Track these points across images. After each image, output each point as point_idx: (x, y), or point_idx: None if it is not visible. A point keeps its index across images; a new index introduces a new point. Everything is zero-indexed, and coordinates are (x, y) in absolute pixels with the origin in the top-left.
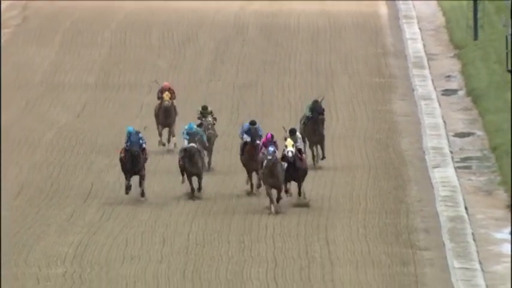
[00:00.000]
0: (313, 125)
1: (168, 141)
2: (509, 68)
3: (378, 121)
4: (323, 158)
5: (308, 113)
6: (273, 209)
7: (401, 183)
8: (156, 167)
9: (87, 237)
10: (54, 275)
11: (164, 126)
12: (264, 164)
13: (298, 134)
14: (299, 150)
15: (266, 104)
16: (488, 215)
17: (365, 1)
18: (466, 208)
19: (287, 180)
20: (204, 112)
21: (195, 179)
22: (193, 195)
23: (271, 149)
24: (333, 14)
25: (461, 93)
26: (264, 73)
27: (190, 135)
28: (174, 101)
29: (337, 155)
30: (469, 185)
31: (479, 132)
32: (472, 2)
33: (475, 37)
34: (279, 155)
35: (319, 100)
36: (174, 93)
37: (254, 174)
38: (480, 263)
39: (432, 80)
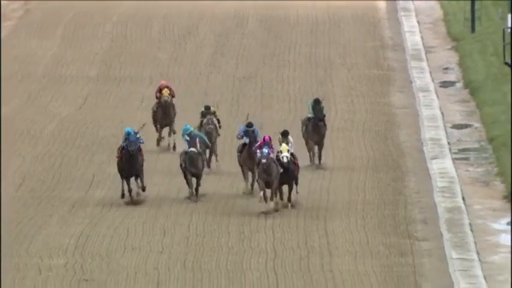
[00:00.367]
0: (314, 125)
1: (169, 136)
2: (506, 60)
3: (376, 113)
4: (320, 158)
5: (310, 113)
6: (265, 203)
7: (399, 175)
8: (156, 165)
9: (88, 228)
10: (56, 266)
11: (163, 125)
12: (259, 163)
13: (290, 137)
14: (292, 154)
15: (266, 96)
16: (486, 205)
17: None
18: (463, 199)
19: (280, 183)
20: (207, 112)
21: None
22: (191, 197)
23: (265, 150)
24: (331, 6)
25: (458, 85)
26: (263, 65)
27: (191, 138)
28: (173, 100)
29: (336, 147)
30: (466, 176)
31: (477, 124)
32: None
33: (473, 30)
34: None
35: (321, 100)
36: (172, 91)
37: (250, 174)
38: (478, 253)
39: (430, 72)
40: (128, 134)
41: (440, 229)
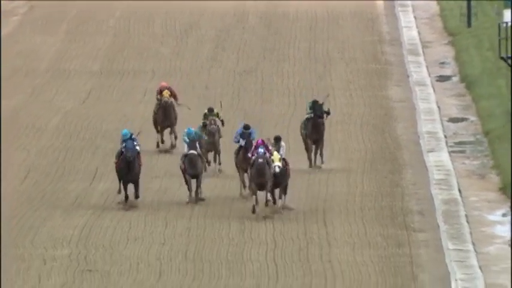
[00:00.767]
0: (313, 125)
1: (170, 134)
2: (502, 55)
3: (374, 107)
4: (321, 156)
5: (309, 113)
6: (256, 209)
7: (396, 167)
8: (157, 162)
9: (92, 220)
10: (60, 256)
11: (164, 127)
12: (254, 162)
13: (282, 142)
14: (284, 160)
15: (266, 90)
16: (481, 197)
17: None
18: (459, 191)
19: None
20: (210, 114)
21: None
22: (190, 199)
23: (261, 150)
24: (330, 3)
25: (455, 79)
26: (263, 60)
27: (191, 140)
28: (176, 104)
29: (334, 140)
30: (462, 168)
31: (473, 118)
32: None
33: (469, 25)
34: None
35: (322, 102)
36: (173, 93)
37: (246, 176)
38: (473, 244)
39: (427, 67)
40: (125, 136)
41: (437, 220)
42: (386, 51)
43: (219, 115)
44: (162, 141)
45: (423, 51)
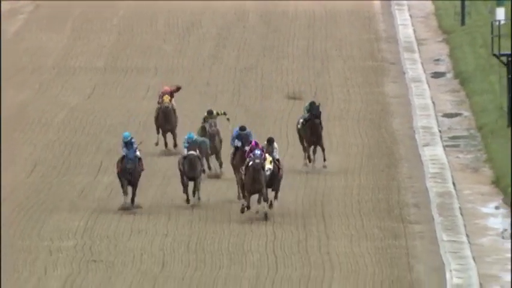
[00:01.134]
0: (311, 126)
1: (174, 146)
2: (494, 52)
3: (371, 102)
4: (324, 159)
5: (305, 115)
6: (243, 207)
7: (393, 161)
8: (158, 163)
9: (97, 212)
10: (66, 247)
11: (165, 131)
12: (249, 164)
13: (275, 143)
14: (277, 160)
15: (265, 86)
16: (475, 190)
17: None
18: (454, 184)
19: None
20: (210, 117)
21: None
22: (189, 201)
23: (257, 152)
24: (328, 2)
25: (449, 75)
26: (263, 57)
27: (191, 144)
28: (175, 104)
29: (332, 135)
30: (456, 162)
31: (466, 113)
32: None
33: (462, 23)
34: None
35: (317, 103)
36: (173, 94)
37: None
38: (467, 235)
39: (422, 64)
40: (125, 138)
41: (432, 213)
42: (382, 49)
43: (220, 113)
44: (166, 145)
45: (418, 49)
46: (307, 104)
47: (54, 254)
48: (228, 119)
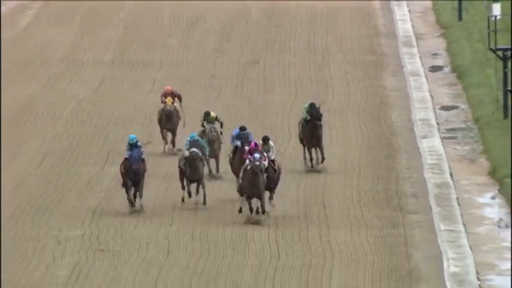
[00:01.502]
0: (311, 128)
1: (173, 144)
2: (491, 46)
3: (370, 96)
4: (322, 160)
5: (305, 116)
6: (252, 212)
7: (392, 152)
8: (157, 171)
9: (104, 202)
10: (74, 237)
11: (167, 130)
12: (248, 168)
13: (271, 142)
14: (272, 161)
15: (268, 79)
16: (472, 181)
17: None
18: (451, 175)
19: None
20: (207, 118)
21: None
22: (190, 198)
23: (257, 155)
24: None
25: (446, 69)
26: (266, 52)
27: (191, 144)
28: (178, 105)
29: (333, 128)
30: (454, 153)
31: (463, 105)
32: None
33: (460, 18)
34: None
35: (318, 105)
36: (178, 95)
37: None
38: (464, 225)
39: (420, 58)
40: (131, 140)
41: (430, 203)
42: (382, 43)
43: (218, 118)
44: (167, 143)
45: (417, 43)
46: (307, 104)
47: (63, 243)
48: (221, 125)
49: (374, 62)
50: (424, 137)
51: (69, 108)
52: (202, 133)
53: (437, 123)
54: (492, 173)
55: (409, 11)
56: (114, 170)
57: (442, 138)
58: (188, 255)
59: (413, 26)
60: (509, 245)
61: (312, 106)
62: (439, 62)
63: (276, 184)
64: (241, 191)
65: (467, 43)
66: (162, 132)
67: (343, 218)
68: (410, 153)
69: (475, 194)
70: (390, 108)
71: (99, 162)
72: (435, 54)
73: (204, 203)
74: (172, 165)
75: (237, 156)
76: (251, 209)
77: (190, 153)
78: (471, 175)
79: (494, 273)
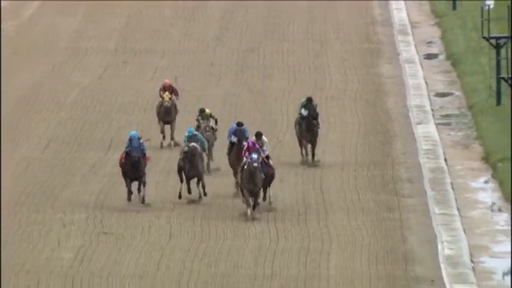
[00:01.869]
0: (307, 125)
1: (171, 137)
2: (484, 35)
3: (367, 83)
4: (313, 156)
5: (300, 111)
6: (249, 213)
7: (387, 138)
8: (157, 166)
9: (107, 186)
10: (78, 220)
11: (165, 123)
12: (246, 167)
13: (264, 138)
14: (267, 157)
15: (267, 67)
16: (466, 166)
17: None
18: (445, 160)
19: None
20: (202, 115)
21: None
22: (190, 195)
23: (254, 156)
24: None
25: (441, 57)
26: (265, 39)
27: (190, 139)
28: (176, 98)
29: (330, 114)
30: (448, 139)
31: (458, 92)
32: None
33: (454, 7)
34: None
35: (315, 104)
36: (175, 90)
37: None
38: (458, 209)
39: (415, 46)
40: (132, 137)
41: (425, 187)
42: (378, 32)
43: (212, 115)
44: (164, 137)
45: (412, 32)
46: (303, 99)
47: (67, 226)
48: (216, 121)
49: (370, 49)
50: (419, 123)
51: (73, 95)
52: (197, 129)
53: (432, 110)
54: (485, 158)
55: (405, 0)
56: (117, 155)
57: (437, 125)
58: (190, 238)
59: (408, 15)
60: (502, 228)
61: (309, 101)
62: (433, 50)
63: (269, 183)
64: (240, 187)
65: (461, 32)
66: (160, 125)
67: (340, 202)
68: (406, 139)
69: (468, 178)
70: (386, 95)
71: (103, 148)
72: (430, 42)
73: (205, 194)
74: (171, 159)
75: (234, 152)
76: (248, 205)
77: (189, 147)
78: (465, 160)
79: (487, 256)
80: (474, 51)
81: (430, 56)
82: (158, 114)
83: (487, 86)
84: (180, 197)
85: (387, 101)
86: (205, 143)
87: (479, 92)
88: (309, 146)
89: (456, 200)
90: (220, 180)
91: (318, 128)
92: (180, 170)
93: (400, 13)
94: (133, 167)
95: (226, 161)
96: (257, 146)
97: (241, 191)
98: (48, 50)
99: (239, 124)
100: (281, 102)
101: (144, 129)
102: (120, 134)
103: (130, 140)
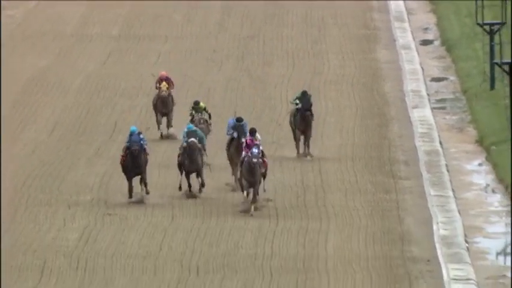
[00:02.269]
0: (302, 117)
1: (167, 127)
2: (478, 21)
3: (364, 68)
4: (308, 153)
5: (295, 102)
6: (244, 206)
7: (384, 122)
8: (156, 159)
9: (111, 169)
10: (83, 202)
11: (162, 114)
12: (245, 161)
13: (257, 134)
14: (262, 154)
15: (267, 52)
16: (460, 149)
17: None
18: (440, 143)
19: None
20: (196, 107)
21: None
22: (190, 192)
23: (255, 150)
24: None
25: (436, 43)
26: (265, 26)
27: (189, 135)
28: (172, 91)
29: (328, 98)
30: (443, 123)
31: (452, 77)
32: None
33: None
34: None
35: (310, 94)
36: (172, 83)
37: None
38: (453, 190)
39: (411, 32)
40: (132, 132)
41: (420, 169)
42: (375, 18)
43: (206, 108)
44: (159, 126)
45: (408, 18)
46: (299, 93)
47: (73, 208)
48: (209, 116)
49: (367, 35)
50: (415, 107)
51: (79, 80)
52: (191, 122)
53: (428, 94)
54: (479, 141)
55: None
56: (121, 139)
57: (432, 108)
58: (192, 219)
59: (404, 2)
60: (496, 209)
61: (303, 94)
62: (429, 36)
63: (264, 177)
64: (240, 181)
65: (456, 18)
66: (157, 116)
67: (338, 184)
68: (402, 123)
69: (463, 161)
70: (383, 79)
71: (107, 131)
72: (426, 28)
73: (203, 186)
74: (168, 149)
75: (233, 146)
76: (247, 195)
77: (189, 143)
78: (459, 143)
79: (481, 236)
80: (468, 37)
81: (425, 42)
82: (155, 106)
83: (480, 71)
84: (180, 189)
85: (384, 86)
86: (204, 139)
87: (473, 76)
88: (302, 137)
89: (451, 182)
90: (221, 165)
91: (312, 119)
92: (180, 165)
93: (396, 0)
94: (133, 160)
95: (219, 157)
96: (256, 141)
97: (241, 185)
98: (54, 36)
99: (238, 120)
100: (280, 87)
101: (148, 112)
102: (123, 118)
103: (130, 135)
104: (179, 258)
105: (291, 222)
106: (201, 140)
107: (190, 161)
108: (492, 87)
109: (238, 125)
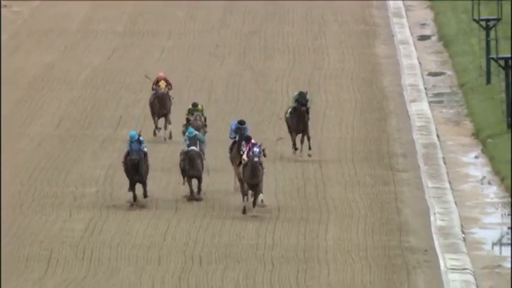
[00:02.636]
0: (298, 114)
1: (165, 128)
2: (475, 17)
3: (363, 62)
4: (309, 149)
5: (292, 103)
6: (246, 206)
7: (383, 115)
8: (156, 163)
9: (116, 161)
10: (89, 193)
11: (160, 115)
12: (247, 161)
13: (253, 141)
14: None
15: (268, 48)
16: (457, 141)
17: None
18: (437, 136)
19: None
20: (194, 109)
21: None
22: (192, 197)
23: (256, 150)
24: None
25: (434, 38)
26: (266, 22)
27: (191, 140)
28: (170, 92)
29: (328, 92)
30: (440, 116)
31: (449, 72)
32: None
33: None
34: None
35: (306, 91)
36: (170, 84)
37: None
38: (450, 182)
39: (409, 28)
40: (132, 138)
41: (418, 162)
42: (374, 14)
43: (203, 112)
44: (158, 129)
45: (406, 14)
46: (296, 93)
47: (78, 199)
48: (205, 119)
49: (366, 31)
50: (413, 101)
51: (84, 74)
52: (187, 124)
53: (425, 88)
54: (476, 134)
55: None
56: (126, 132)
57: (430, 102)
58: (194, 210)
59: None
60: (492, 200)
61: (300, 94)
62: (426, 31)
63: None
64: (241, 181)
65: (452, 14)
66: (153, 117)
67: (337, 177)
68: (400, 116)
69: (459, 153)
70: (382, 74)
71: (112, 125)
72: (423, 24)
73: (198, 193)
74: (167, 151)
75: (236, 148)
76: (247, 199)
77: (189, 152)
78: (456, 136)
79: (477, 227)
80: (465, 32)
81: (423, 38)
82: (152, 107)
83: (477, 65)
84: (184, 184)
85: (383, 80)
86: (205, 142)
87: (469, 71)
88: (299, 137)
89: (448, 174)
90: (223, 156)
91: (308, 119)
92: (182, 172)
93: None
94: (134, 169)
95: (214, 159)
96: (257, 143)
97: (242, 191)
98: (60, 32)
99: (241, 122)
100: (281, 82)
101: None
102: (128, 111)
103: (130, 142)
104: (182, 249)
105: (291, 214)
106: (201, 144)
107: (191, 167)
108: (488, 81)
109: (240, 127)
